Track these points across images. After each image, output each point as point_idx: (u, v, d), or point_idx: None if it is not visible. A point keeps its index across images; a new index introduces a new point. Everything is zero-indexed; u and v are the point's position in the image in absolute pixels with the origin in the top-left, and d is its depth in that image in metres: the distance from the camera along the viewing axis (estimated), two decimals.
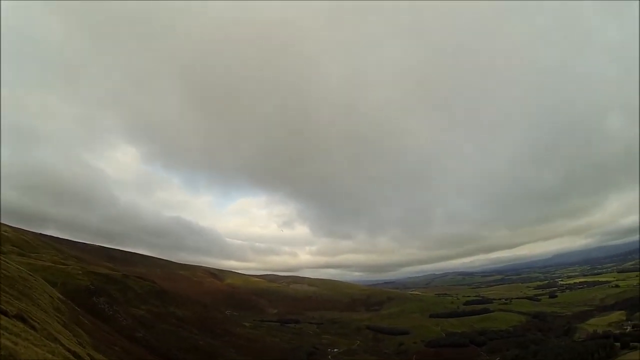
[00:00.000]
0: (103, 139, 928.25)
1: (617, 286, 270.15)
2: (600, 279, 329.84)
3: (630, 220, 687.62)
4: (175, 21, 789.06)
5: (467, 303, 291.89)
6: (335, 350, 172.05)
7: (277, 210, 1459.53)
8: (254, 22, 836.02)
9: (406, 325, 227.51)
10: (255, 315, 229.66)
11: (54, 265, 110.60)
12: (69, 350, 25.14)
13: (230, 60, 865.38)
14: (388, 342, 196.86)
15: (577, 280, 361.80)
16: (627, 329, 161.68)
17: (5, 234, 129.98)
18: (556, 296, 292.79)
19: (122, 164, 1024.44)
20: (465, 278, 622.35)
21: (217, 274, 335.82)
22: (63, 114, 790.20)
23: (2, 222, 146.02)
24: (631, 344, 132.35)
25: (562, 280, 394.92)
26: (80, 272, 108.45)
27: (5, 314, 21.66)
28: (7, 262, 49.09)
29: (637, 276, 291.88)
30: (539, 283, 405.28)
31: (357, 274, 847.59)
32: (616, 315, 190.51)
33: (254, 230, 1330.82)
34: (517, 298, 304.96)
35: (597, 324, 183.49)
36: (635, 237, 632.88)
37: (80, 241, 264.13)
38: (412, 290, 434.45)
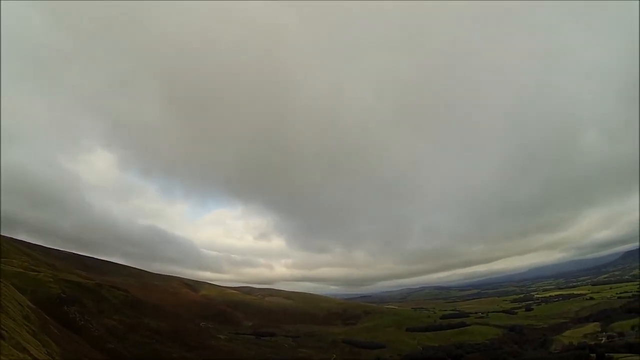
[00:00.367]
0: (79, 142, 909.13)
1: (591, 298, 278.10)
2: (575, 292, 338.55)
3: (603, 234, 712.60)
4: (158, 26, 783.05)
5: (443, 317, 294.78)
6: None
7: (254, 221, 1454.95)
8: (237, 29, 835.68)
9: (383, 339, 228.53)
10: (230, 328, 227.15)
11: (24, 271, 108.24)
12: None
13: (211, 68, 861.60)
14: (364, 356, 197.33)
15: (552, 294, 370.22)
16: (602, 340, 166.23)
17: None
18: (532, 309, 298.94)
19: (97, 168, 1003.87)
20: (441, 292, 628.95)
21: (192, 285, 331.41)
22: (38, 114, 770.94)
23: None
24: (606, 354, 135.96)
25: (537, 294, 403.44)
26: (51, 279, 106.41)
27: None
28: None
29: (611, 288, 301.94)
30: (515, 296, 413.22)
31: (333, 287, 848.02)
32: (591, 327, 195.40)
33: (229, 241, 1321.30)
34: (493, 312, 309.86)
35: (573, 335, 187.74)
36: (609, 251, 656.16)
37: (53, 247, 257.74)
38: (389, 304, 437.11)
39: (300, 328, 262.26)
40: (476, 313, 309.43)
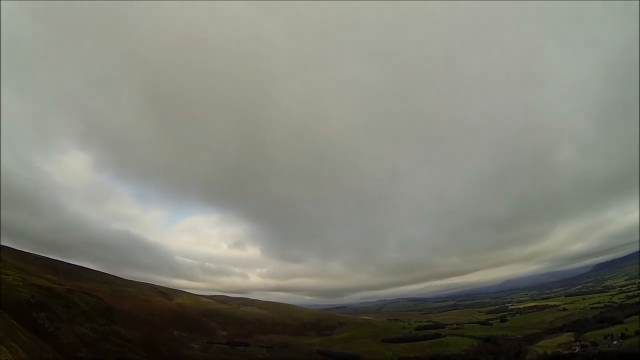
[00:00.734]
0: (53, 142, 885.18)
1: (565, 309, 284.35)
2: (549, 303, 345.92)
3: (577, 247, 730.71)
4: (139, 27, 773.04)
5: (419, 328, 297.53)
6: None
7: (229, 230, 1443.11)
8: (217, 35, 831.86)
9: (358, 350, 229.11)
10: (204, 337, 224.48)
11: None
12: None
13: (190, 73, 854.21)
14: None
15: (527, 305, 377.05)
16: (575, 349, 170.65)
17: None
18: (507, 320, 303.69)
19: (71, 169, 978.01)
20: (417, 304, 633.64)
21: (166, 293, 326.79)
22: (12, 111, 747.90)
23: None
24: None
25: (512, 305, 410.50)
26: (20, 283, 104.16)
27: None
28: None
29: (584, 299, 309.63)
30: (490, 308, 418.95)
31: (308, 298, 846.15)
32: (565, 337, 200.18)
33: (204, 249, 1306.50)
34: (468, 323, 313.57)
35: (547, 345, 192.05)
36: (582, 263, 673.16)
37: (23, 250, 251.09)
38: (364, 316, 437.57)
39: (274, 338, 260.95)
40: (451, 324, 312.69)
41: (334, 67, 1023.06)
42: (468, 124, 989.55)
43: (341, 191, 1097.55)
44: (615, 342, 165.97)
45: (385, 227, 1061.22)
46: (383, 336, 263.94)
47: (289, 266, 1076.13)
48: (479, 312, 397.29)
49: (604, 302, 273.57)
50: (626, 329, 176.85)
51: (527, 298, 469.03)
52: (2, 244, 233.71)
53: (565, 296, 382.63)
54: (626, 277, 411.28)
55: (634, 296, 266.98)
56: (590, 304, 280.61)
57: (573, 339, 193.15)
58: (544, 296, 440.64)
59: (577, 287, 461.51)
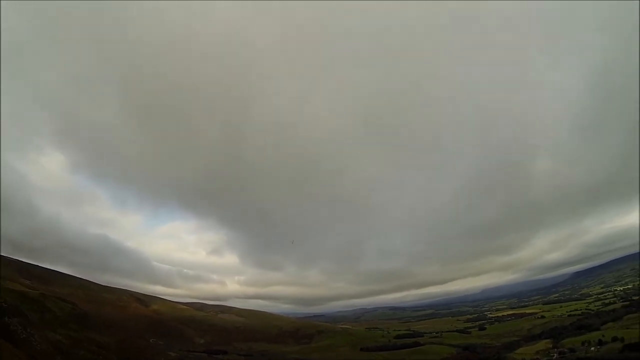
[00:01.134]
0: (28, 140, 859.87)
1: (543, 317, 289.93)
2: (527, 311, 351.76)
3: (554, 256, 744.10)
4: (122, 27, 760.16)
5: (398, 337, 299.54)
6: None
7: (207, 236, 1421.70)
8: (199, 36, 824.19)
9: (337, 358, 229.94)
10: (181, 345, 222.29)
11: None
12: None
13: (174, 76, 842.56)
14: None
15: (505, 313, 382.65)
16: (554, 356, 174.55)
17: None
18: (485, 328, 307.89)
19: (47, 170, 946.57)
20: (396, 312, 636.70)
21: (143, 299, 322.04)
22: None
23: None
24: None
25: (491, 313, 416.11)
26: None
27: None
28: None
29: (561, 307, 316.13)
30: (468, 316, 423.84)
31: (286, 306, 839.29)
32: (543, 344, 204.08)
33: (182, 255, 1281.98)
34: (447, 331, 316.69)
35: (525, 352, 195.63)
36: (559, 272, 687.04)
37: None
38: (342, 324, 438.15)
39: (252, 346, 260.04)
40: (430, 333, 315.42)
41: (319, 73, 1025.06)
42: (451, 134, 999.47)
43: (321, 199, 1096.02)
44: (592, 349, 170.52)
45: (365, 235, 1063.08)
46: (362, 345, 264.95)
47: (267, 274, 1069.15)
48: (457, 320, 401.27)
49: (581, 310, 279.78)
50: (603, 336, 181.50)
51: (505, 306, 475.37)
52: None
53: (543, 304, 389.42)
54: (602, 285, 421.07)
55: (610, 303, 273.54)
56: (567, 312, 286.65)
57: (551, 345, 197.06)
58: (522, 304, 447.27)
59: (554, 295, 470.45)
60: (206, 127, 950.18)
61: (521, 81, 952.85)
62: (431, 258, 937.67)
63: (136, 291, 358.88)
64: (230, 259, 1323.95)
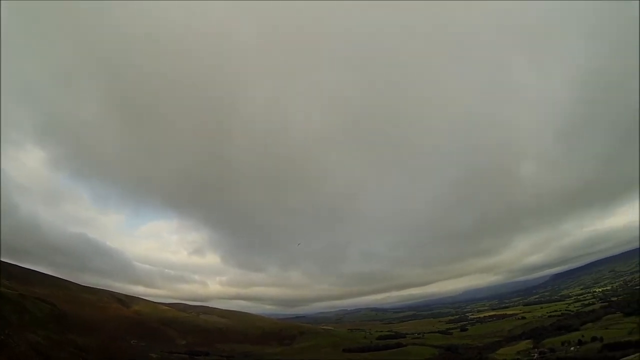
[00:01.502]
0: (7, 136, 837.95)
1: (523, 318, 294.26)
2: (508, 312, 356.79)
3: (535, 258, 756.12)
4: (106, 24, 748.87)
5: (380, 338, 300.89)
6: None
7: (189, 236, 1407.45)
8: (182, 36, 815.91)
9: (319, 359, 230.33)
10: (163, 346, 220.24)
11: None
12: None
13: (156, 74, 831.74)
14: None
15: (486, 314, 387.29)
16: (534, 356, 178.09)
17: None
18: (467, 329, 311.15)
19: (26, 167, 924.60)
20: (377, 314, 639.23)
21: (124, 300, 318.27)
22: None
23: None
24: None
25: (472, 314, 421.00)
26: None
27: None
28: None
29: (541, 308, 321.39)
30: (450, 317, 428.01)
31: (268, 307, 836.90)
32: (524, 344, 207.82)
33: (164, 255, 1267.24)
34: (429, 332, 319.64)
35: (506, 353, 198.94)
36: (539, 274, 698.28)
37: None
38: (325, 325, 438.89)
39: (235, 348, 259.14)
40: (412, 334, 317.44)
41: (305, 74, 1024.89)
42: (435, 138, 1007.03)
43: (304, 200, 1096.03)
44: (572, 349, 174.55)
45: (347, 237, 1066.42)
46: (344, 346, 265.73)
47: (249, 275, 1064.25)
48: (439, 321, 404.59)
49: (560, 311, 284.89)
50: (582, 336, 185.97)
51: (486, 307, 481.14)
52: None
53: (524, 305, 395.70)
54: (581, 287, 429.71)
55: (589, 304, 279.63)
56: (547, 313, 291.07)
57: (532, 346, 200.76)
58: (503, 305, 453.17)
59: (535, 297, 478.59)
60: (189, 126, 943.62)
61: (507, 86, 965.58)
62: (413, 260, 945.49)
63: (117, 292, 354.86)
64: (212, 259, 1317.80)
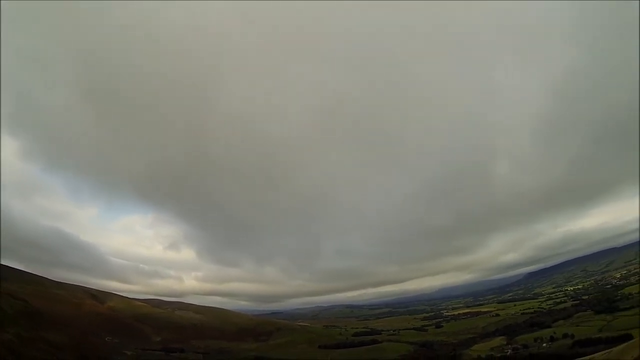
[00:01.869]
0: None
1: (497, 315, 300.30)
2: (483, 309, 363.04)
3: (509, 257, 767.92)
4: (83, 10, 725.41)
5: (356, 334, 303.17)
6: None
7: (164, 230, 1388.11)
8: (159, 26, 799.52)
9: (295, 356, 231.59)
10: (137, 343, 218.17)
11: None
12: None
13: (133, 65, 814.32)
14: None
15: (461, 311, 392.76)
16: (508, 352, 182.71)
17: None
18: (442, 326, 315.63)
19: None
20: (353, 310, 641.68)
21: (98, 296, 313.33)
22: None
23: None
24: None
25: (447, 312, 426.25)
26: None
27: None
28: None
29: (515, 306, 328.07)
30: (425, 314, 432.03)
31: (244, 303, 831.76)
32: (497, 341, 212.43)
33: (139, 250, 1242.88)
34: (404, 329, 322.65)
35: (481, 349, 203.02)
36: (514, 272, 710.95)
37: None
38: (300, 321, 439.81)
39: (210, 344, 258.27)
40: (388, 330, 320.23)
41: (284, 69, 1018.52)
42: (412, 135, 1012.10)
43: (280, 195, 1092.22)
44: (544, 345, 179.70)
45: (323, 233, 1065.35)
46: (320, 342, 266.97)
47: (225, 270, 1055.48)
48: (414, 318, 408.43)
49: (533, 308, 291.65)
50: (554, 332, 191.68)
51: (461, 305, 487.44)
52: None
53: (498, 303, 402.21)
54: (554, 285, 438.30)
55: (561, 302, 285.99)
56: (521, 310, 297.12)
57: (505, 342, 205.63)
58: (478, 303, 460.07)
59: (508, 295, 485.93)
60: (166, 118, 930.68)
61: (489, 86, 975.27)
62: (389, 257, 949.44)
63: (91, 287, 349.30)
64: (187, 254, 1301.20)
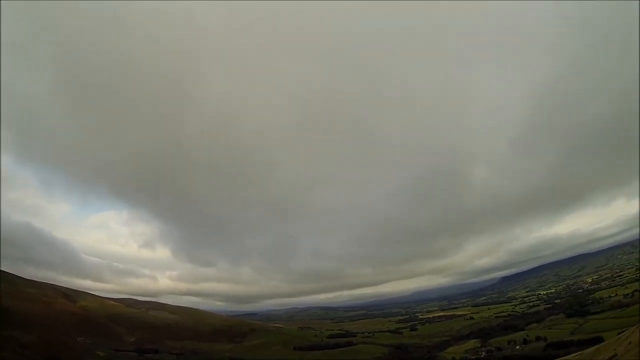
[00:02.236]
0: None
1: (471, 318, 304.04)
2: (457, 313, 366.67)
3: (484, 261, 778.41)
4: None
5: (331, 336, 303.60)
6: None
7: (139, 228, 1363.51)
8: (145, 18, 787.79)
9: (270, 357, 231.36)
10: (110, 343, 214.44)
11: None
12: None
13: (109, 59, 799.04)
14: None
15: (436, 314, 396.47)
16: (482, 354, 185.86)
17: None
18: (417, 329, 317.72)
19: None
20: (328, 312, 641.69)
21: (70, 294, 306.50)
22: None
23: None
24: None
25: (422, 314, 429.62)
26: None
27: None
28: None
29: (489, 309, 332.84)
30: (400, 317, 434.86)
31: (218, 303, 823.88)
32: (472, 344, 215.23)
33: (113, 248, 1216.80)
34: (379, 331, 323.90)
35: (455, 352, 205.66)
36: (488, 276, 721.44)
37: None
38: (275, 323, 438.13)
39: (184, 345, 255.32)
40: (363, 333, 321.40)
41: (262, 64, 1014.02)
42: (390, 137, 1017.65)
43: (256, 195, 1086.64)
44: (517, 347, 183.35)
45: (299, 234, 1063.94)
46: (295, 344, 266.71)
47: (199, 270, 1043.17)
48: (389, 321, 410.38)
49: (507, 312, 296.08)
50: (527, 335, 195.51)
51: (436, 308, 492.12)
52: None
53: (472, 306, 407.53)
54: (527, 289, 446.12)
55: (534, 306, 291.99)
56: (495, 313, 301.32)
57: (479, 345, 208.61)
58: (452, 306, 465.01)
59: (483, 298, 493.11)
60: (143, 113, 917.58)
61: (466, 90, 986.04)
62: (364, 260, 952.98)
63: (63, 286, 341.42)
64: (162, 253, 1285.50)
